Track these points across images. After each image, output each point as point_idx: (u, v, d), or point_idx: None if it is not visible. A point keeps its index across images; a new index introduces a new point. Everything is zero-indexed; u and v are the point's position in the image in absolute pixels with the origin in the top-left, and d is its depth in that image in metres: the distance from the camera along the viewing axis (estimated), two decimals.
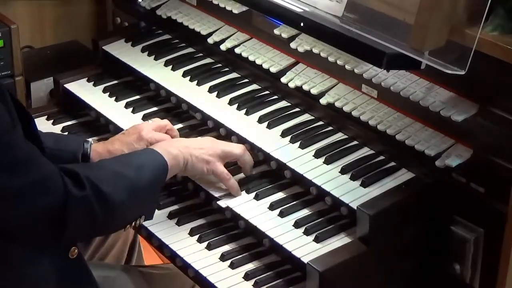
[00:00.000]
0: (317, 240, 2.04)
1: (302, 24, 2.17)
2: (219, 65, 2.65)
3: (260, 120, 2.37)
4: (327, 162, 2.20)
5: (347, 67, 2.24)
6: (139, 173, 1.99)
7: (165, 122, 2.36)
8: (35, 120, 2.59)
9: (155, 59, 2.70)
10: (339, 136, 2.30)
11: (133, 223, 2.02)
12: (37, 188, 1.78)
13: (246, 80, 2.57)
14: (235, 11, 2.54)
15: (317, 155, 2.22)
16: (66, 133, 2.59)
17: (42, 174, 1.80)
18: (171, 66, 2.65)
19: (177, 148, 2.11)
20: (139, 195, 1.99)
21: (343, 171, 2.16)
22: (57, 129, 2.61)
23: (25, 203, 1.78)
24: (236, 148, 2.22)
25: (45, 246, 1.89)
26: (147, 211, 2.05)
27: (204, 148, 2.17)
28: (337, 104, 2.28)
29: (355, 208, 2.03)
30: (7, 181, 1.74)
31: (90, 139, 2.30)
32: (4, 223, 1.79)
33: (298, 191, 2.20)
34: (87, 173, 1.89)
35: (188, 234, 2.17)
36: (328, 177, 2.15)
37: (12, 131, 1.75)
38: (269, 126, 2.34)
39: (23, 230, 1.82)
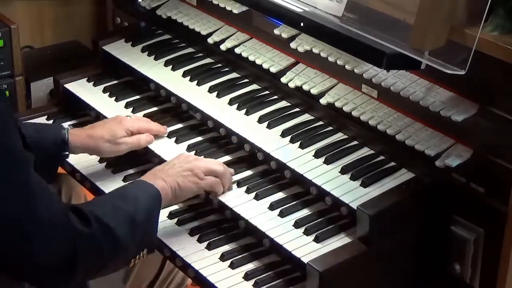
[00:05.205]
0: (317, 240, 2.04)
1: (302, 24, 2.17)
2: (219, 65, 2.65)
3: (260, 120, 2.37)
4: (327, 162, 2.20)
5: (347, 67, 2.24)
6: (136, 206, 1.97)
7: (145, 123, 2.40)
8: (35, 120, 2.62)
9: (155, 59, 2.70)
10: (339, 136, 2.30)
11: (137, 257, 2.01)
12: (44, 222, 1.75)
13: (246, 80, 2.57)
14: (235, 11, 2.54)
15: (317, 155, 2.22)
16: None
17: (49, 211, 1.76)
18: (171, 66, 2.65)
19: (162, 179, 2.08)
20: (139, 227, 1.97)
21: (343, 171, 2.16)
22: None
23: (30, 237, 1.73)
24: (218, 166, 2.18)
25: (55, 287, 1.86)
26: (149, 244, 2.03)
27: (185, 170, 2.12)
28: (337, 104, 2.28)
29: (355, 208, 2.03)
30: (15, 207, 1.71)
31: (65, 125, 2.31)
32: (6, 256, 1.75)
33: (298, 191, 2.20)
34: (90, 208, 1.88)
35: (188, 234, 2.17)
36: (328, 177, 2.15)
37: (24, 153, 1.74)
38: (269, 126, 2.34)
39: (31, 270, 1.78)
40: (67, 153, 2.29)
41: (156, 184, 2.06)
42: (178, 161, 2.17)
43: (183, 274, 2.49)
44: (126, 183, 2.27)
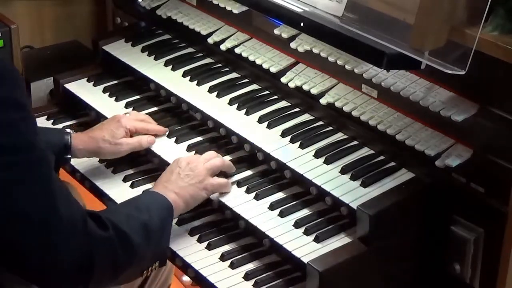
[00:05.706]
0: (317, 240, 2.04)
1: (302, 24, 2.17)
2: (219, 65, 2.65)
3: (260, 120, 2.37)
4: (327, 162, 2.20)
5: (347, 67, 2.24)
6: (150, 215, 1.99)
7: (144, 116, 2.43)
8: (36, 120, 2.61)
9: (155, 59, 2.70)
10: (339, 136, 2.30)
11: (149, 269, 2.02)
12: (64, 222, 1.74)
13: (246, 80, 2.57)
14: (235, 11, 2.54)
15: (317, 155, 2.22)
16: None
17: (69, 213, 1.76)
18: (171, 66, 2.65)
19: (173, 191, 2.10)
20: (152, 236, 1.98)
21: (343, 171, 2.16)
22: None
23: (48, 239, 1.73)
24: (215, 161, 2.21)
25: None
26: (160, 255, 2.05)
27: (193, 178, 2.14)
28: (337, 104, 2.28)
29: (355, 208, 2.03)
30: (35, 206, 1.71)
31: (69, 130, 2.33)
32: (26, 260, 1.74)
33: (298, 191, 2.20)
34: (105, 215, 1.89)
35: (188, 234, 2.17)
36: (328, 177, 2.15)
37: (46, 152, 1.75)
38: (269, 126, 2.34)
39: (47, 271, 1.77)
40: (69, 156, 2.30)
41: (168, 196, 2.08)
42: (180, 168, 2.16)
43: (167, 274, 2.51)
44: (138, 194, 2.26)
